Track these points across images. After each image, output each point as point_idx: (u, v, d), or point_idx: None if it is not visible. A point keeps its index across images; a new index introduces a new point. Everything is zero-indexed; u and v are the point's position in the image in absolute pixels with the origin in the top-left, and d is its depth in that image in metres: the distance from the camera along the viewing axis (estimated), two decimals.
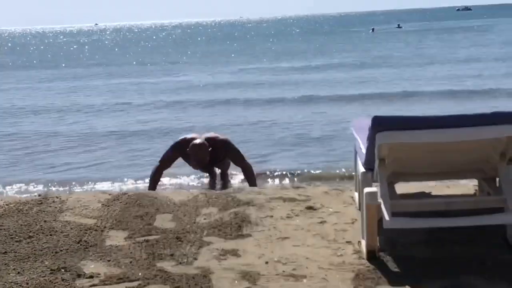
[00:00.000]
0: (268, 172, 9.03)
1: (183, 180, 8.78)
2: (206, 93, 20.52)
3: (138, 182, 8.89)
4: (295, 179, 8.81)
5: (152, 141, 12.08)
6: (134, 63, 37.56)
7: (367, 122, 4.52)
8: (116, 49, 59.58)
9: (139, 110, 17.10)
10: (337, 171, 8.82)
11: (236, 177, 8.64)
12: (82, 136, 12.99)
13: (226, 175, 8.69)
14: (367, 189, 4.39)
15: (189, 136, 8.27)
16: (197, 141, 8.04)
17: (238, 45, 56.79)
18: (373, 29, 74.18)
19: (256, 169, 8.31)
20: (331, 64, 29.83)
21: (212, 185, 8.50)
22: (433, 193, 5.94)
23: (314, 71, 26.84)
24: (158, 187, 7.99)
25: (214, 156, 8.14)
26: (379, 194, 4.38)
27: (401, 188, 5.85)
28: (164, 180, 8.47)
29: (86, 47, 68.22)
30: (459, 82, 20.15)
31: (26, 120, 16.06)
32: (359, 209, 5.11)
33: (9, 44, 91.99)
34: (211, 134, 8.34)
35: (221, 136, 8.36)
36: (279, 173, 9.08)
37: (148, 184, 8.04)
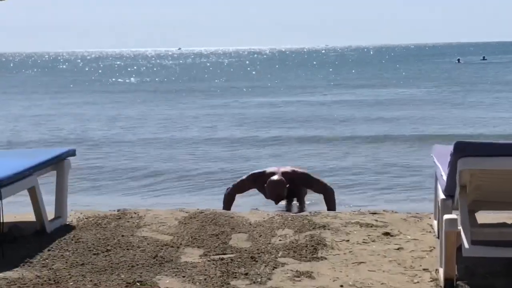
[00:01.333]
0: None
1: (259, 201, 8.75)
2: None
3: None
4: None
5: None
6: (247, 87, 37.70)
7: (449, 148, 4.44)
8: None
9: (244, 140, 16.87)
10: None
11: (312, 201, 8.57)
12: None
13: (303, 199, 8.63)
14: (446, 216, 4.29)
15: (268, 170, 8.24)
16: (275, 177, 7.99)
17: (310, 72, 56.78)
18: (458, 60, 73.16)
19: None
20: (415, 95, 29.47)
21: (288, 207, 8.46)
22: None
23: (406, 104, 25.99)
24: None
25: (292, 191, 8.11)
26: (459, 221, 4.27)
27: (481, 218, 5.71)
28: (240, 201, 8.46)
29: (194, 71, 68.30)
30: None
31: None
32: (438, 237, 5.00)
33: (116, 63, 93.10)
34: (289, 168, 8.27)
35: (300, 170, 8.33)
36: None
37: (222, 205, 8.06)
